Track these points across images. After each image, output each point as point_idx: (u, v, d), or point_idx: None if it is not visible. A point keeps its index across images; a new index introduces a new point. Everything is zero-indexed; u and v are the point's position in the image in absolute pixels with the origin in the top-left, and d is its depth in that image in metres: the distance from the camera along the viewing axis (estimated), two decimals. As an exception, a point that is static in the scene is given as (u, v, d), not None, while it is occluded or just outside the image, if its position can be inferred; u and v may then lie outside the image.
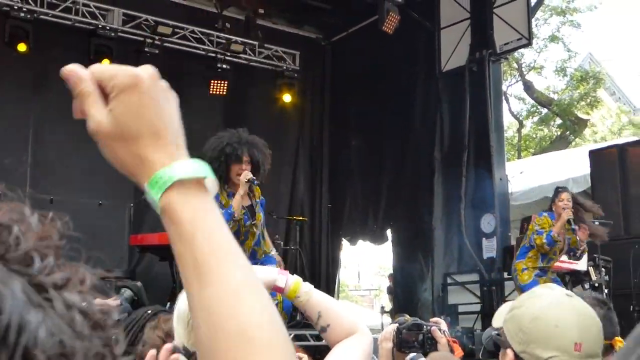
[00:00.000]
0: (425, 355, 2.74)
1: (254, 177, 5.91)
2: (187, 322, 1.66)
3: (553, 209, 7.48)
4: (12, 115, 9.54)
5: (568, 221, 7.22)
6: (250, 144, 6.07)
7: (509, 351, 1.73)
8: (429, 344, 2.72)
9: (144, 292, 3.84)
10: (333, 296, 11.32)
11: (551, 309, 1.70)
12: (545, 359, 1.66)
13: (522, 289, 7.50)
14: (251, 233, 6.14)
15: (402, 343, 2.78)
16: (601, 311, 2.39)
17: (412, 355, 2.68)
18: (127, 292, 3.85)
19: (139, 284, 3.93)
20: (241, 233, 6.05)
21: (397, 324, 2.83)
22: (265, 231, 6.44)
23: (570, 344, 1.65)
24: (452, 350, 2.70)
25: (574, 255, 7.46)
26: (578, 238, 7.25)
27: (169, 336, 2.33)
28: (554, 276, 7.52)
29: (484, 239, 9.36)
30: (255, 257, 6.21)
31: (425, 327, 2.74)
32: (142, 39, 10.08)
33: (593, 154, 9.30)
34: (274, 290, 2.07)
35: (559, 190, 7.69)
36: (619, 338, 2.63)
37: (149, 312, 2.62)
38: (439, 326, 2.75)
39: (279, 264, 6.60)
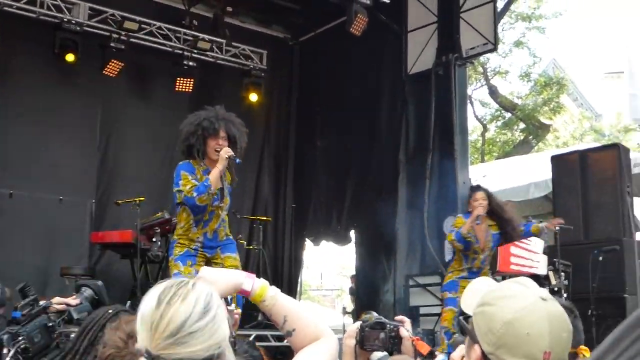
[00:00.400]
0: (389, 354, 2.75)
1: (235, 156, 5.95)
2: (150, 325, 1.64)
3: (469, 209, 7.77)
4: (-26, 108, 9.38)
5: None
6: (227, 120, 6.17)
7: (476, 347, 1.72)
8: (391, 343, 2.72)
9: (105, 291, 3.79)
10: (295, 296, 11.41)
11: (525, 314, 1.67)
12: None
13: (442, 289, 8.21)
14: (216, 215, 6.16)
15: (364, 341, 2.79)
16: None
17: (379, 355, 2.69)
18: (87, 291, 3.79)
19: (99, 282, 3.87)
20: (207, 212, 6.07)
21: (360, 322, 2.84)
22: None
23: (540, 353, 1.64)
24: (416, 350, 2.71)
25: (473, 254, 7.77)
26: (475, 236, 7.64)
27: (130, 337, 2.31)
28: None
29: (446, 241, 9.40)
30: (217, 239, 6.22)
31: (388, 325, 2.74)
32: (108, 34, 9.98)
33: (555, 159, 9.40)
34: (240, 294, 2.07)
35: (473, 188, 8.02)
36: (584, 347, 2.65)
37: (110, 311, 2.60)
38: (404, 325, 2.75)
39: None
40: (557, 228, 8.03)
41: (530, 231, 7.82)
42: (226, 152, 5.96)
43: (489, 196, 7.79)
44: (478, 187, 7.98)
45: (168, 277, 6.73)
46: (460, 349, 1.98)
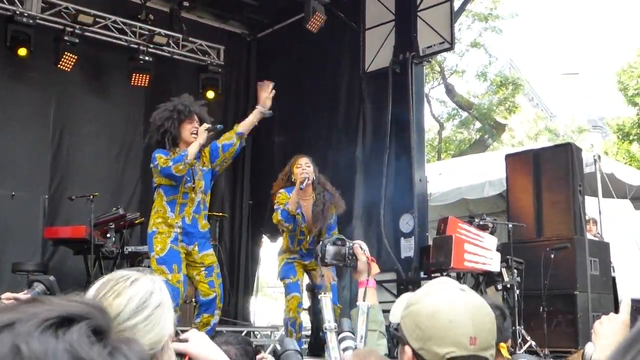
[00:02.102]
0: (347, 266, 3.10)
1: (208, 126, 6.04)
2: None
3: (292, 178, 6.91)
4: None
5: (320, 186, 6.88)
6: (199, 107, 6.29)
7: (407, 348, 1.74)
8: (350, 259, 2.94)
9: (57, 287, 3.75)
10: (252, 293, 11.36)
11: (445, 304, 1.72)
12: (443, 355, 1.68)
13: (279, 276, 7.15)
14: (190, 198, 6.15)
15: (325, 255, 3.00)
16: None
17: (343, 334, 2.81)
18: (39, 287, 3.74)
19: (51, 278, 3.83)
20: (180, 193, 6.09)
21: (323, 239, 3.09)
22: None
23: (466, 339, 1.68)
24: (369, 267, 2.92)
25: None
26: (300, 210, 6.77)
27: None
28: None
29: (402, 238, 9.47)
30: (197, 227, 6.20)
31: (348, 243, 2.96)
32: (62, 27, 9.82)
33: (509, 158, 9.53)
34: None
35: (296, 156, 7.13)
36: (502, 343, 2.69)
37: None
38: (361, 245, 2.95)
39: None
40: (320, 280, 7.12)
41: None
42: (205, 126, 6.05)
43: (316, 170, 6.99)
44: (301, 155, 7.11)
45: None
46: None
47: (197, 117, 6.20)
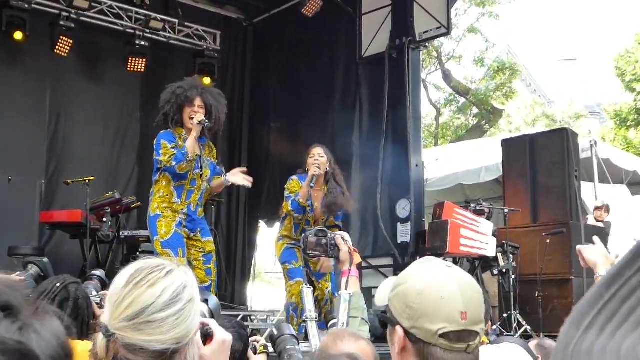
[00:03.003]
0: (329, 257, 3.18)
1: (206, 120, 6.01)
2: (114, 302, 1.62)
3: (306, 168, 6.89)
4: None
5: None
6: (203, 89, 6.30)
7: (398, 328, 1.75)
8: (331, 250, 2.99)
9: (51, 268, 3.75)
10: (248, 279, 11.37)
11: (434, 281, 1.73)
12: (435, 331, 1.69)
13: (279, 261, 7.14)
14: (198, 186, 6.17)
15: (307, 246, 3.06)
16: None
17: (333, 321, 2.85)
18: (33, 269, 3.75)
19: (45, 260, 3.84)
20: (189, 179, 6.10)
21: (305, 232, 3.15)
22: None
23: (457, 314, 1.69)
24: (351, 258, 2.98)
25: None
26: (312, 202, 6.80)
27: None
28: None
29: (399, 223, 9.48)
30: (197, 213, 6.24)
31: (329, 234, 3.00)
32: (57, 12, 9.78)
33: (505, 143, 9.52)
34: None
35: (312, 146, 7.10)
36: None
37: (58, 285, 2.58)
38: (343, 236, 3.00)
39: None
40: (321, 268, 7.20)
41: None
42: (197, 118, 6.06)
43: (331, 159, 6.96)
44: (317, 145, 7.08)
45: (132, 257, 6.62)
46: None
47: (201, 100, 6.18)
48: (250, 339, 3.09)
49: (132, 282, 1.63)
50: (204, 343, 1.80)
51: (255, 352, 3.09)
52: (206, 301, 1.98)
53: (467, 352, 1.71)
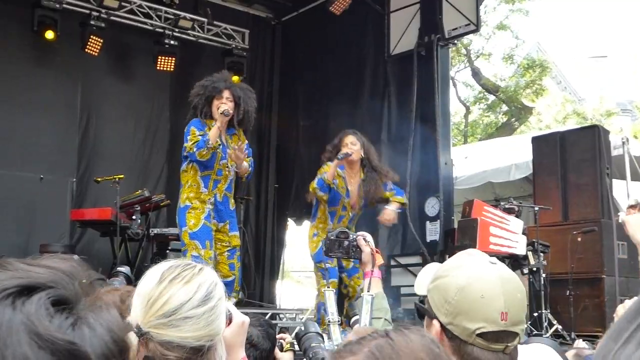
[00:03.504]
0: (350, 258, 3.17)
1: (229, 110, 6.07)
2: (146, 302, 1.62)
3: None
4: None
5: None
6: (232, 83, 6.41)
7: (435, 322, 1.73)
8: (353, 251, 2.97)
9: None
10: (277, 277, 11.38)
11: (476, 279, 1.69)
12: (473, 331, 1.66)
13: (313, 259, 7.16)
14: (224, 175, 6.21)
15: (329, 248, 3.04)
16: None
17: (355, 317, 2.83)
18: (64, 266, 3.78)
19: (75, 257, 3.88)
20: (215, 169, 6.17)
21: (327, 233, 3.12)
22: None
23: (497, 314, 1.66)
24: (374, 259, 2.95)
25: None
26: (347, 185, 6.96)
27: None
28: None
29: (427, 222, 9.44)
30: (228, 205, 6.28)
31: (351, 235, 2.98)
32: (87, 11, 9.87)
33: (535, 141, 9.44)
34: None
35: (344, 132, 7.23)
36: None
37: (84, 281, 2.59)
38: (365, 237, 2.97)
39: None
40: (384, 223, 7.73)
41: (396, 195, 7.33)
42: (221, 108, 6.12)
43: (365, 146, 7.12)
44: (350, 131, 7.25)
45: (161, 255, 6.68)
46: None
47: (230, 93, 6.23)
48: (277, 336, 3.09)
49: (166, 280, 1.63)
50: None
51: (281, 350, 3.09)
52: None
53: (504, 352, 1.68)
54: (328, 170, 6.91)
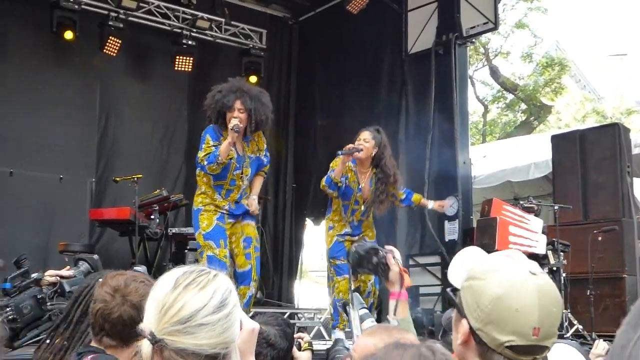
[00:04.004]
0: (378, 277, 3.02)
1: (236, 124, 6.01)
2: (161, 308, 1.59)
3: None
4: (-30, 87, 9.36)
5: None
6: (242, 92, 6.23)
7: (464, 322, 1.69)
8: (382, 269, 2.88)
9: (101, 265, 3.81)
10: (295, 277, 11.37)
11: (512, 289, 1.64)
12: (502, 343, 1.62)
13: (327, 254, 7.14)
14: (237, 186, 6.21)
15: (358, 263, 2.93)
16: None
17: (369, 325, 2.77)
18: (84, 265, 3.82)
19: (95, 257, 3.90)
20: (228, 180, 6.16)
21: (354, 245, 3.01)
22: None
23: (529, 330, 1.61)
24: (402, 279, 2.85)
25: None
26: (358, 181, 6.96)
27: (116, 291, 2.36)
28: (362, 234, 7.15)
29: (446, 221, 9.40)
30: (241, 208, 6.27)
31: (380, 252, 2.88)
32: (106, 12, 9.92)
33: (555, 139, 9.37)
34: None
35: (364, 128, 7.20)
36: None
37: (100, 280, 2.62)
38: (394, 254, 2.88)
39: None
40: (445, 209, 7.87)
41: (410, 199, 7.36)
42: (231, 123, 6.07)
43: (381, 144, 7.03)
44: (366, 128, 7.16)
45: (180, 254, 6.72)
46: None
47: (241, 103, 6.15)
48: (295, 335, 3.08)
49: (181, 285, 1.61)
50: None
51: (299, 349, 3.07)
52: None
53: None
54: (336, 166, 6.90)
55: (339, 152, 6.82)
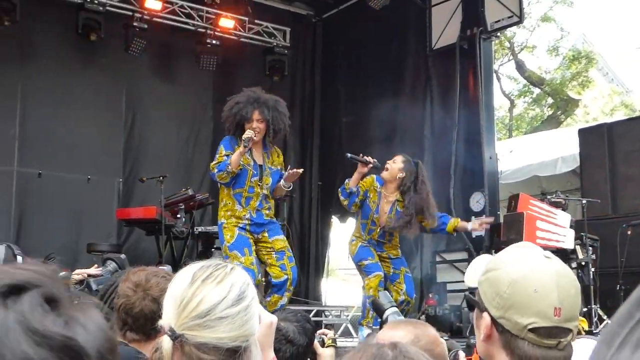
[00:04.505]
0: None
1: (250, 138, 6.06)
2: (179, 303, 1.59)
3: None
4: (-1, 89, 9.47)
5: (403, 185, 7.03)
6: (259, 102, 6.32)
7: (485, 315, 1.69)
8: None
9: (128, 264, 3.84)
10: (322, 275, 11.37)
11: (530, 272, 1.65)
12: (525, 326, 1.62)
13: (353, 261, 7.26)
14: (256, 193, 6.25)
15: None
16: None
17: (391, 311, 2.74)
18: (111, 265, 3.86)
19: (122, 256, 3.94)
20: (246, 187, 6.22)
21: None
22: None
23: (550, 310, 1.62)
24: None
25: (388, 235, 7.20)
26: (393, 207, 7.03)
27: (137, 286, 2.40)
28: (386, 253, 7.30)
29: (472, 217, 9.33)
30: (262, 217, 6.32)
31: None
32: (130, 13, 9.99)
33: (582, 133, 9.29)
34: None
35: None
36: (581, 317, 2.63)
37: (121, 285, 2.66)
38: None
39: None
40: (487, 223, 7.74)
41: (445, 228, 7.32)
42: (245, 135, 6.14)
43: (411, 173, 7.08)
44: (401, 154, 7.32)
45: (206, 253, 6.76)
46: None
47: (259, 114, 6.21)
48: (319, 331, 3.07)
49: (198, 280, 1.61)
50: None
51: (323, 345, 3.07)
52: None
53: (557, 348, 1.64)
54: (370, 184, 7.09)
55: (348, 155, 6.97)
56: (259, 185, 6.27)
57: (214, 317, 1.57)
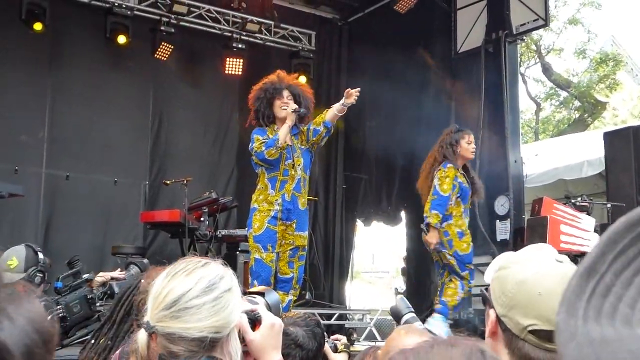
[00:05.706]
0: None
1: (297, 107, 6.10)
2: (154, 298, 1.67)
3: (457, 151, 7.32)
4: (29, 92, 9.61)
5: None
6: (288, 83, 6.40)
7: (491, 312, 1.72)
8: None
9: (150, 268, 3.90)
10: (346, 278, 11.38)
11: (537, 275, 1.66)
12: (525, 327, 1.64)
13: (457, 259, 7.47)
14: (290, 176, 6.26)
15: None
16: None
17: (408, 317, 2.74)
18: (134, 269, 3.92)
19: (145, 260, 4.00)
20: (280, 170, 6.23)
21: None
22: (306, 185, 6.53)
23: (552, 313, 1.61)
24: None
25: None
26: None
27: None
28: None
29: (497, 221, 9.31)
30: (297, 205, 6.30)
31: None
32: (158, 17, 10.12)
33: (607, 136, 9.20)
34: None
35: (459, 130, 7.45)
36: None
37: (143, 281, 2.70)
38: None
39: None
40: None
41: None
42: (291, 107, 6.19)
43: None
44: (464, 129, 7.60)
45: (231, 256, 6.74)
46: None
47: (289, 92, 6.28)
48: (332, 337, 3.08)
49: (170, 274, 1.68)
50: (253, 329, 1.81)
51: (335, 351, 3.07)
52: (262, 295, 1.98)
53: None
54: (453, 173, 7.33)
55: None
56: (293, 167, 6.29)
57: (180, 307, 1.62)
